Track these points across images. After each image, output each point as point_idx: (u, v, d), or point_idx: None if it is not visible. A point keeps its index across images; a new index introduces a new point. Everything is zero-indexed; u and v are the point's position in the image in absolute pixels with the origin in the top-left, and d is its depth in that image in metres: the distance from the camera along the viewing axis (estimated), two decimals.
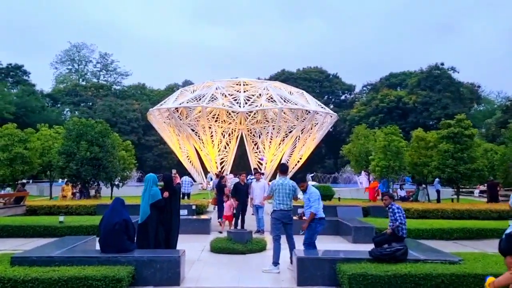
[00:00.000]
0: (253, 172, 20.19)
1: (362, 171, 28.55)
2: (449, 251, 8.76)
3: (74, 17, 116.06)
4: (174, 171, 20.51)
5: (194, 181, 47.75)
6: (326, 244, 11.03)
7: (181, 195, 20.97)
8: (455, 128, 21.27)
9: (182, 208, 16.56)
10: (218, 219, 14.51)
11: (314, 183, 28.71)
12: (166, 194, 8.33)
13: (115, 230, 7.03)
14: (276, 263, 7.76)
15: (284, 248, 8.06)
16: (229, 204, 11.65)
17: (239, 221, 12.76)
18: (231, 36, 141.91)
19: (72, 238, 8.97)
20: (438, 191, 25.73)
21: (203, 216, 13.27)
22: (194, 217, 13.10)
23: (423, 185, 23.52)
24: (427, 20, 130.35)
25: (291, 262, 7.78)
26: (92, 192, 23.60)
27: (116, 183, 23.80)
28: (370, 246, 10.13)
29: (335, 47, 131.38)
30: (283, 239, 8.04)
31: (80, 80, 78.75)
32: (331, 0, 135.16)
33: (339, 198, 23.89)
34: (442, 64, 55.23)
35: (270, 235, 12.39)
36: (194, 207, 15.97)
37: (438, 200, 25.09)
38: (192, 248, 10.17)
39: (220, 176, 16.92)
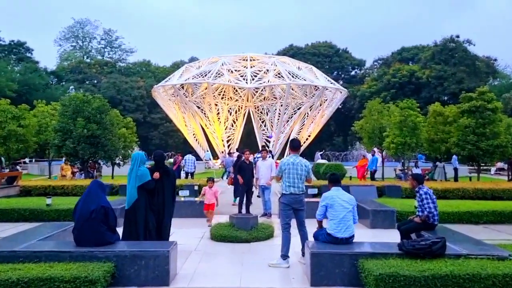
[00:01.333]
0: (260, 150, 19.01)
1: (375, 148, 27.21)
2: (483, 239, 7.56)
3: None
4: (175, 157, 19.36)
5: (199, 159, 46.97)
6: None
7: (176, 176, 20.04)
8: (477, 101, 19.76)
9: (183, 188, 15.61)
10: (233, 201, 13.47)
11: (324, 161, 27.42)
12: (156, 175, 7.12)
13: (92, 219, 5.86)
14: (285, 256, 6.57)
15: (294, 235, 6.85)
16: (214, 191, 10.27)
17: (243, 204, 11.60)
18: (239, 12, 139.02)
19: (51, 225, 7.85)
20: (455, 169, 24.39)
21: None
22: (196, 199, 11.91)
23: (442, 163, 22.11)
24: None
25: (303, 255, 6.61)
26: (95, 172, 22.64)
27: (117, 162, 22.77)
28: (390, 233, 8.97)
29: (345, 22, 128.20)
30: (294, 228, 6.83)
31: (85, 57, 77.43)
32: None
33: (350, 177, 22.66)
34: (458, 36, 52.96)
35: (278, 218, 11.30)
36: (196, 187, 14.79)
37: (456, 179, 23.76)
38: (190, 235, 9.05)
39: (238, 155, 15.80)
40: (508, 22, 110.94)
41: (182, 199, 11.69)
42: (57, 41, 78.96)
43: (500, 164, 33.36)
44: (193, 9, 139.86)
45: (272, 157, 30.10)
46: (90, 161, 21.89)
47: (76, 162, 20.24)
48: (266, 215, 11.52)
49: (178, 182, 17.63)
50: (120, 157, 22.59)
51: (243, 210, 11.47)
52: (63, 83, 65.54)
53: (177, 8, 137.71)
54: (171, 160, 25.05)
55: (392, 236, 8.15)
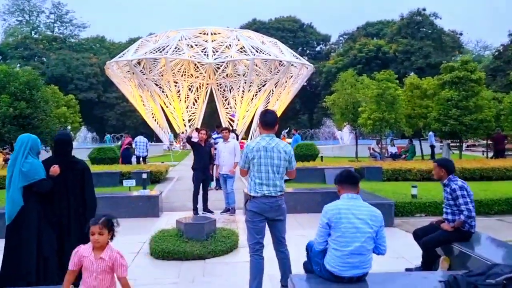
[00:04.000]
0: (216, 128, 16.55)
1: (346, 126, 25.29)
2: (506, 239, 5.56)
3: None
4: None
5: (156, 141, 44.05)
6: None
7: (127, 161, 17.42)
8: (459, 71, 17.95)
9: (129, 178, 13.01)
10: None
11: (290, 140, 25.26)
12: (55, 169, 4.58)
13: None
14: None
15: (269, 259, 4.55)
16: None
17: (200, 198, 9.20)
18: None
19: None
20: (432, 146, 22.86)
21: (150, 192, 9.60)
22: (135, 193, 9.39)
23: (447, 141, 20.11)
24: None
25: (283, 285, 4.32)
26: None
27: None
28: (389, 235, 6.55)
29: None
30: (268, 250, 4.49)
31: (32, 33, 71.60)
32: None
33: (321, 158, 20.63)
34: (424, 9, 51.63)
35: (243, 216, 8.99)
36: (145, 175, 12.23)
37: (433, 157, 22.21)
38: (123, 248, 6.56)
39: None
40: None
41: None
42: (0, 15, 72.58)
43: (470, 141, 32.31)
44: None
45: (237, 138, 27.80)
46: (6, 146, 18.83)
47: (4, 148, 17.17)
48: (229, 211, 9.19)
49: (125, 168, 15.14)
50: None
51: (199, 207, 9.09)
52: (8, 61, 60.24)
53: None
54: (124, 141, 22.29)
55: (395, 244, 6.05)
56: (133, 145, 18.53)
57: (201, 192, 9.20)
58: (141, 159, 18.53)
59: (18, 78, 16.24)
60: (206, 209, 9.19)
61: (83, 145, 30.67)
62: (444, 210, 4.97)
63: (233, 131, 30.62)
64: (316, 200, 9.38)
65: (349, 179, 3.69)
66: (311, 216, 8.64)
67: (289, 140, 26.28)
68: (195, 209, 9.03)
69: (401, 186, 12.00)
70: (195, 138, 10.16)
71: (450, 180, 4.87)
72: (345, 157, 24.37)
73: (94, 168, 15.33)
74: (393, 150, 21.80)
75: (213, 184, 12.43)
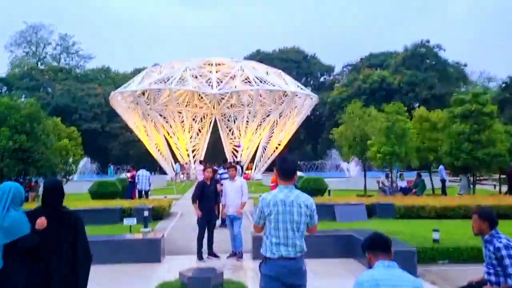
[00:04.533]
0: (223, 163, 16.06)
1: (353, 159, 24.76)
2: None
3: None
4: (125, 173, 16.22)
5: (159, 171, 43.48)
6: (338, 277, 7.18)
7: (127, 195, 16.81)
8: (471, 104, 17.53)
9: (129, 215, 12.43)
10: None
11: (299, 173, 24.63)
12: (42, 221, 4.03)
13: None
14: None
15: None
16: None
17: (205, 242, 8.58)
18: (206, 18, 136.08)
19: None
20: (443, 181, 22.17)
21: (152, 231, 8.99)
22: (135, 236, 8.79)
23: (467, 174, 19.40)
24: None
25: None
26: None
27: (59, 179, 19.26)
28: None
29: (313, 28, 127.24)
30: None
31: (39, 63, 72.31)
32: None
33: (329, 191, 19.99)
34: (428, 41, 51.78)
35: (251, 260, 8.34)
36: (146, 212, 11.63)
37: (444, 191, 21.54)
38: None
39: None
40: (475, 27, 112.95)
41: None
42: (7, 47, 73.35)
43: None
44: (157, 15, 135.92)
45: (242, 169, 27.20)
46: (26, 180, 18.43)
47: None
48: (236, 255, 8.56)
49: (126, 204, 14.55)
50: (63, 173, 19.14)
51: (204, 250, 8.48)
52: (14, 91, 60.54)
53: (140, 14, 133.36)
54: (127, 174, 21.77)
55: None
56: (136, 179, 18.01)
57: (206, 233, 8.62)
58: (143, 193, 17.96)
59: (20, 111, 15.92)
60: (211, 253, 8.58)
61: (84, 177, 30.19)
62: (486, 269, 4.34)
63: (238, 163, 30.16)
64: (329, 243, 8.80)
65: (382, 245, 3.11)
66: (324, 262, 8.03)
67: (301, 173, 25.68)
68: (200, 253, 8.43)
69: (417, 226, 11.39)
70: (199, 171, 9.65)
71: (493, 237, 4.24)
72: (353, 190, 23.67)
73: (94, 204, 14.80)
74: (402, 184, 21.11)
75: (218, 221, 11.82)
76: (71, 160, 19.15)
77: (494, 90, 49.84)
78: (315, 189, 17.49)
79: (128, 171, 22.55)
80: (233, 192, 8.59)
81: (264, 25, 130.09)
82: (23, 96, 61.52)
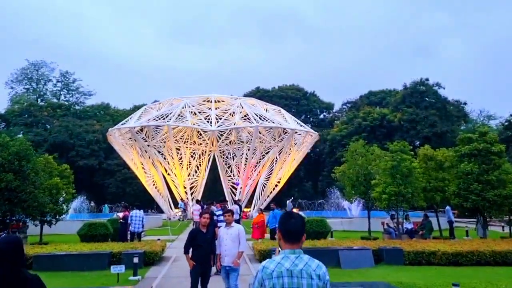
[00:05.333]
0: (221, 202, 15.20)
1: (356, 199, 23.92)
2: None
3: (34, 35, 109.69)
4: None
5: (156, 209, 42.36)
6: None
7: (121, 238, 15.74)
8: (478, 143, 16.88)
9: (119, 260, 11.53)
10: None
11: (301, 213, 23.68)
12: None
13: None
14: None
15: None
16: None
17: None
18: (205, 56, 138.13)
19: None
20: (451, 222, 21.24)
21: (141, 280, 8.07)
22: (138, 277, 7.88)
23: (479, 217, 18.49)
24: (404, 41, 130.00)
25: None
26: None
27: (48, 219, 18.35)
28: None
29: (312, 66, 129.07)
30: None
31: (38, 100, 72.38)
32: (310, 19, 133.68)
33: (331, 233, 19.04)
34: (427, 79, 51.91)
35: None
36: (136, 259, 10.74)
37: (452, 234, 20.58)
38: None
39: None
40: (471, 68, 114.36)
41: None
42: (8, 83, 73.70)
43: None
44: (156, 53, 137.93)
45: (240, 208, 26.18)
46: (14, 220, 17.56)
47: None
48: None
49: (116, 248, 13.62)
50: (52, 213, 18.25)
51: None
52: (11, 127, 60.18)
53: (142, 53, 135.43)
54: (119, 214, 20.89)
55: None
56: (128, 220, 17.09)
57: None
58: (135, 235, 16.99)
59: (8, 148, 15.22)
60: None
61: (76, 216, 29.16)
62: None
63: (236, 202, 29.15)
64: None
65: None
66: None
67: (301, 213, 24.70)
68: None
69: (430, 275, 10.48)
70: (196, 211, 8.81)
71: None
72: (356, 232, 22.71)
73: (82, 248, 13.86)
74: (408, 225, 20.18)
75: (214, 269, 10.87)
76: (61, 199, 18.30)
77: (495, 129, 49.49)
78: (318, 232, 16.55)
79: (122, 211, 21.67)
80: (229, 240, 7.75)
81: (263, 63, 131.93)
82: (21, 132, 61.24)
